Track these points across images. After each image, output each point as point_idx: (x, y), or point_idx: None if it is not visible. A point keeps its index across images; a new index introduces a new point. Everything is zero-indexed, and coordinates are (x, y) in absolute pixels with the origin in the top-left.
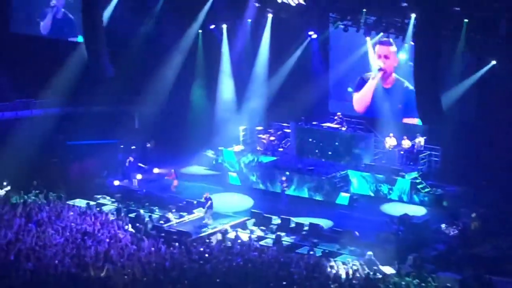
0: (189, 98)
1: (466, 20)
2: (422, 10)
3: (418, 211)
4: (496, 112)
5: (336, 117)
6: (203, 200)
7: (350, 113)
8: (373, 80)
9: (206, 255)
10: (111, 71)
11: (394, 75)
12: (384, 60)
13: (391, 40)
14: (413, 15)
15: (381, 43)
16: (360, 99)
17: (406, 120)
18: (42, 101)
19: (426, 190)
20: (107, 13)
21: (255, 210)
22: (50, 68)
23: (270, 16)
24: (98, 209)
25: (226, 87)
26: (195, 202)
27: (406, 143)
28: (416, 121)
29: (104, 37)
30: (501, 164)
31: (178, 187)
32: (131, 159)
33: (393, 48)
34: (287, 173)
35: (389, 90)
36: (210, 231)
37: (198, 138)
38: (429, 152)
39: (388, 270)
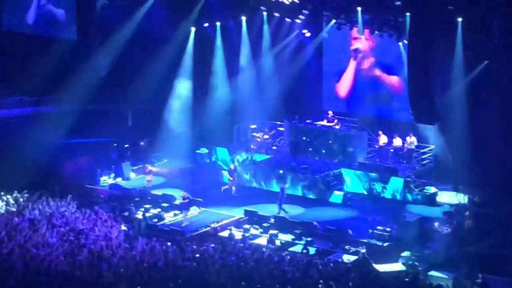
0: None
1: (460, 19)
2: (416, 9)
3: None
4: (489, 111)
5: (329, 116)
6: (181, 200)
7: (344, 111)
8: (353, 62)
9: (200, 254)
10: (104, 70)
11: (371, 58)
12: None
13: None
14: (407, 14)
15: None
16: (342, 83)
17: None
18: (35, 99)
19: (419, 188)
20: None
21: (250, 209)
22: (42, 66)
23: (264, 14)
24: (91, 207)
25: (220, 85)
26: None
27: (397, 142)
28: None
29: (98, 34)
30: (494, 163)
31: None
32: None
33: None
34: (281, 171)
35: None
36: (204, 229)
37: (192, 136)
38: (422, 150)
39: (382, 268)
